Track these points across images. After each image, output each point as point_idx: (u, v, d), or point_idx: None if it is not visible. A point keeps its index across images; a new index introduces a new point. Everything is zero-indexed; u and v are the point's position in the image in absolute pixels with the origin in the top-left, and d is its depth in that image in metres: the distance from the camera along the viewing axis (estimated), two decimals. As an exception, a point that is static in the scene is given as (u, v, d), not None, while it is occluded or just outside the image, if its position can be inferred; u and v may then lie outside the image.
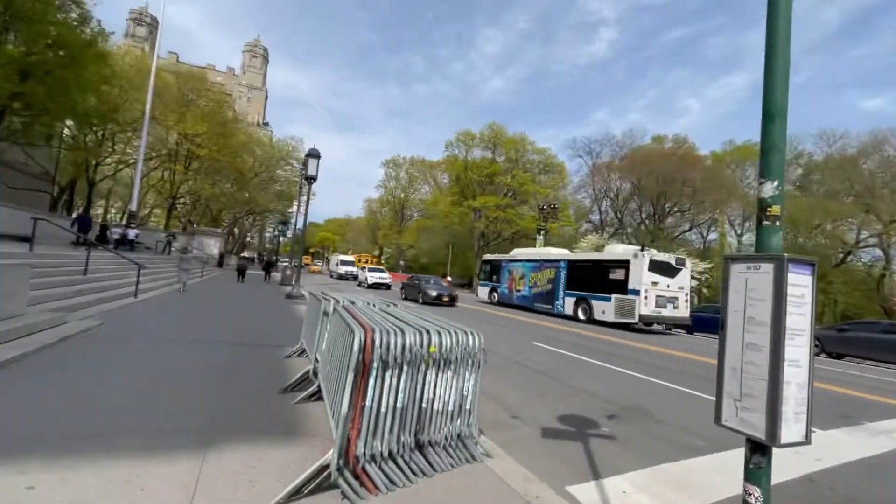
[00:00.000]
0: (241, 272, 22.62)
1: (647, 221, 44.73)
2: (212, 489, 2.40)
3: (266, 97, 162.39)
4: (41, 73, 17.97)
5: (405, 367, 2.79)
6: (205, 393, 4.01)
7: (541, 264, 21.29)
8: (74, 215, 24.37)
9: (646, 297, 15.67)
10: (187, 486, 2.38)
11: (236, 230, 63.56)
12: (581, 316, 18.20)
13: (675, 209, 43.50)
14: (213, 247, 36.73)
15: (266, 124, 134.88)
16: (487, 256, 28.73)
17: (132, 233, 25.12)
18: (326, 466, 2.46)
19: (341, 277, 38.22)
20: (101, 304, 8.28)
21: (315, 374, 4.40)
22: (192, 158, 36.39)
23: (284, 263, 24.30)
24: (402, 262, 70.70)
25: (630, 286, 16.14)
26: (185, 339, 6.28)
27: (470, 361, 3.16)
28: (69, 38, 18.14)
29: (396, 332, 2.84)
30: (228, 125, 37.71)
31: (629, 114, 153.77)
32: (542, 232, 35.73)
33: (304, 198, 25.22)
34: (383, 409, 2.66)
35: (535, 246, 32.69)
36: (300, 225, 35.04)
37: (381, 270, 33.82)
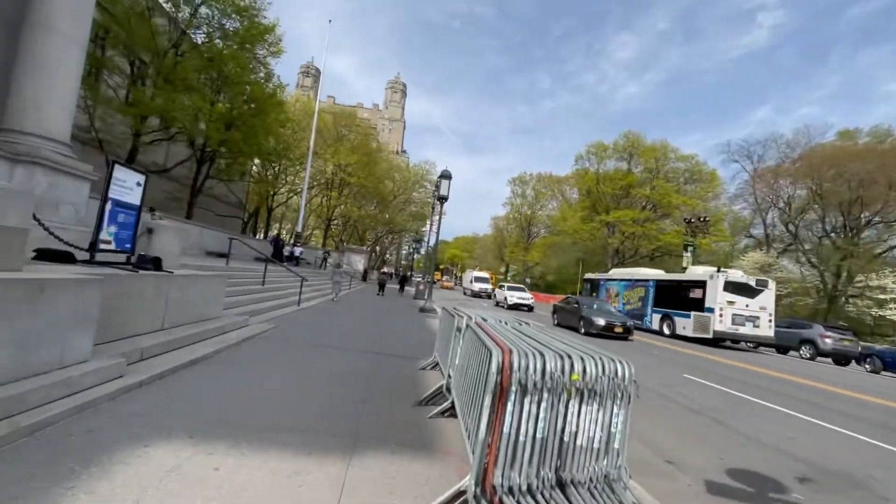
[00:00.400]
0: (381, 286, 24.37)
1: (832, 235, 36.19)
2: (356, 494, 2.49)
3: (404, 127, 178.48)
4: (240, 123, 22.55)
5: (545, 395, 2.57)
6: (350, 398, 4.32)
7: (633, 283, 23.47)
8: (270, 238, 29.76)
9: (720, 315, 17.51)
10: (335, 488, 2.52)
11: (377, 248, 70.41)
12: (665, 331, 20.12)
13: (877, 219, 34.29)
14: (359, 263, 41.08)
15: (404, 152, 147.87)
16: (589, 275, 29.91)
17: (298, 250, 29.66)
18: (463, 492, 2.36)
19: (475, 295, 37.19)
20: (273, 310, 9.77)
21: (448, 389, 4.42)
22: (344, 185, 41.68)
23: (418, 279, 25.94)
24: (528, 280, 69.70)
25: (706, 304, 18.06)
26: (335, 345, 6.97)
27: (618, 394, 2.78)
28: (258, 93, 22.46)
29: (536, 354, 2.65)
30: (373, 154, 42.27)
31: (800, 108, 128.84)
32: (690, 249, 31.40)
33: (437, 217, 26.76)
34: (522, 438, 2.47)
35: (682, 264, 29.19)
36: (433, 242, 37.14)
37: (522, 289, 31.43)
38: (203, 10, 20.74)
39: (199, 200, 32.56)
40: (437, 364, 6.14)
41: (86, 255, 4.79)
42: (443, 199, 16.80)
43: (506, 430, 2.44)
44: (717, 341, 17.84)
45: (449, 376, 4.50)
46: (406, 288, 36.43)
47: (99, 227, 4.65)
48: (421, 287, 24.80)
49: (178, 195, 28.41)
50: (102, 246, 4.77)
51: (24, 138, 13.55)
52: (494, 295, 32.83)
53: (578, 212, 46.54)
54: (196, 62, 20.37)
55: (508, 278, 78.77)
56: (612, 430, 2.78)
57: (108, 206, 4.74)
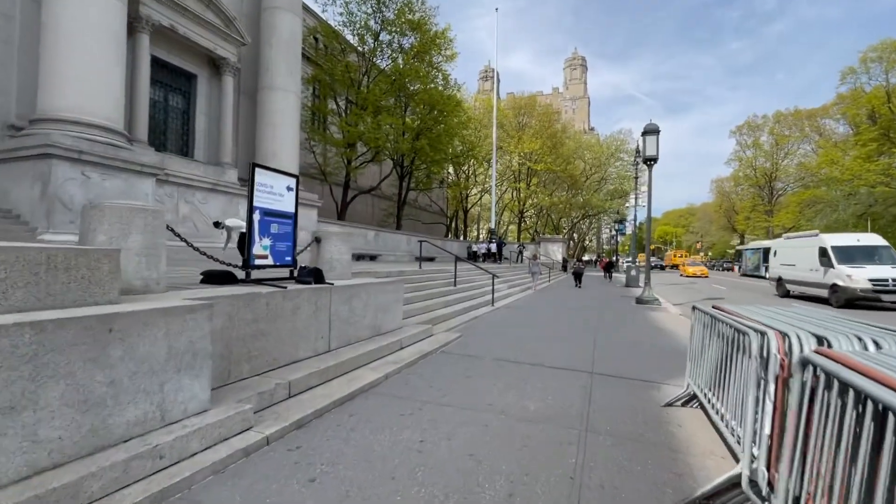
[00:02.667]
0: (577, 277, 20.73)
1: None
2: None
3: (589, 104, 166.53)
4: (426, 131, 23.53)
5: None
6: (552, 479, 2.53)
7: None
8: (488, 240, 31.16)
9: None
10: None
11: (575, 235, 66.40)
12: None
13: None
14: (556, 252, 38.82)
15: (592, 129, 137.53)
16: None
17: (494, 246, 29.62)
18: None
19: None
20: (464, 313, 8.80)
21: (755, 483, 2.16)
22: (531, 175, 40.19)
23: (628, 262, 22.16)
24: (778, 251, 54.10)
25: None
26: (530, 361, 5.29)
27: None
28: (436, 97, 22.96)
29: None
30: (558, 136, 39.47)
31: None
32: None
33: (644, 188, 22.45)
34: None
35: None
36: (641, 218, 31.97)
37: None
38: (383, 35, 22.38)
39: (408, 212, 36.19)
40: (695, 397, 3.79)
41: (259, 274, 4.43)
42: (651, 161, 13.29)
43: None
44: None
45: (753, 452, 2.23)
46: (613, 274, 32.43)
47: (251, 241, 4.17)
48: (633, 272, 21.01)
49: (392, 211, 32.00)
50: (259, 262, 4.29)
51: (268, 181, 16.63)
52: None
53: (857, 148, 32.77)
54: (383, 85, 22.08)
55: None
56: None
57: (257, 217, 4.23)
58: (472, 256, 31.60)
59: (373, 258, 20.67)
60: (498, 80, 35.94)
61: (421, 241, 11.52)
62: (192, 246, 3.97)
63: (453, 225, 42.92)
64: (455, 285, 10.87)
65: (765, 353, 2.26)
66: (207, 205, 12.92)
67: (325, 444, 2.84)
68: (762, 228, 57.00)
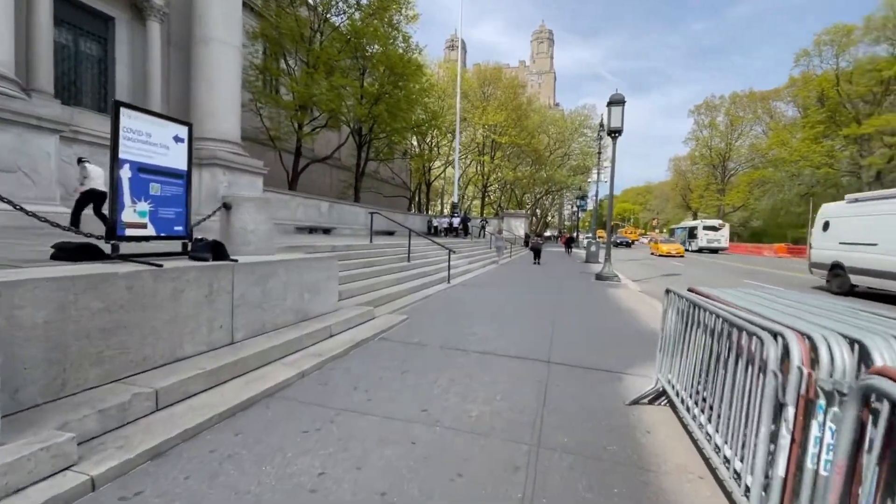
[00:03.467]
0: (536, 253, 18.87)
1: None
2: None
3: (555, 79, 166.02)
4: (384, 96, 22.03)
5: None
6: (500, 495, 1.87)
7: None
8: (451, 214, 30.21)
9: None
10: None
11: (538, 211, 66.78)
12: None
13: None
14: (519, 228, 38.67)
15: (557, 105, 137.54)
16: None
17: (456, 220, 28.89)
18: None
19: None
20: (415, 292, 8.07)
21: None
22: (495, 148, 39.38)
23: (588, 238, 22.09)
24: (727, 229, 56.62)
25: None
26: (481, 349, 4.65)
27: None
28: (396, 60, 21.47)
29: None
30: (523, 108, 38.68)
31: None
32: None
33: (606, 164, 22.25)
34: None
35: None
36: (604, 193, 32.11)
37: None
38: (338, -12, 20.49)
39: (369, 184, 34.67)
40: (664, 394, 3.26)
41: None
42: (615, 134, 12.79)
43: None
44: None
45: (738, 476, 1.65)
46: (574, 250, 32.66)
47: (118, 205, 3.17)
48: (593, 248, 20.95)
49: (352, 182, 30.52)
50: (132, 232, 3.31)
51: (205, 144, 14.93)
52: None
53: (804, 131, 34.00)
54: (338, 44, 20.32)
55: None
56: None
57: (127, 173, 3.22)
58: (434, 231, 30.80)
59: (326, 231, 19.48)
60: (464, 50, 34.58)
61: (372, 213, 10.58)
62: (23, 210, 2.93)
63: (416, 198, 41.76)
64: (409, 261, 10.09)
65: (774, 361, 1.64)
66: (127, 168, 11.35)
67: (180, 487, 2.03)
68: (714, 207, 59.33)
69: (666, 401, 3.33)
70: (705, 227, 36.06)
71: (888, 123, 26.60)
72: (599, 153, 22.00)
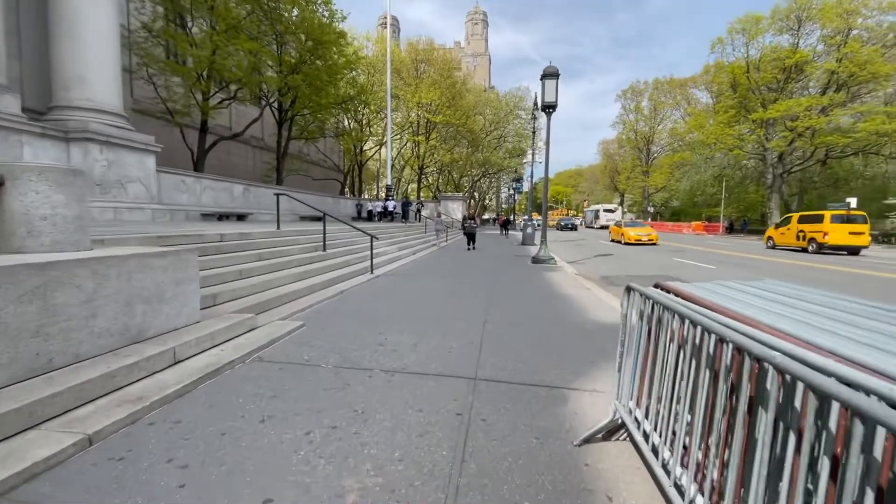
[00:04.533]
0: (470, 238, 17.07)
1: None
2: None
3: (490, 62, 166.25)
4: (301, 66, 19.81)
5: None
6: None
7: None
8: (385, 198, 28.04)
9: None
10: None
11: (476, 194, 66.69)
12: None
13: None
14: (456, 211, 37.99)
15: (492, 87, 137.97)
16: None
17: (391, 204, 27.23)
18: None
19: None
20: (327, 287, 6.80)
21: None
22: (431, 128, 38.03)
23: (525, 219, 21.75)
24: (649, 209, 60.11)
25: None
26: (389, 366, 3.58)
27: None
28: (314, 26, 19.33)
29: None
30: (457, 87, 37.55)
31: None
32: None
33: (540, 143, 21.89)
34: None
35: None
36: (539, 173, 32.02)
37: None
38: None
39: (297, 167, 31.93)
40: (623, 425, 2.39)
41: None
42: (549, 109, 12.11)
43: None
44: None
45: None
46: (509, 232, 32.62)
47: None
48: (528, 230, 20.60)
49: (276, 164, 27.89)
50: None
51: (73, 113, 12.20)
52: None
53: (719, 115, 36.26)
54: (248, 4, 17.79)
55: (625, 209, 69.51)
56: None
57: None
58: (368, 216, 29.08)
59: (241, 218, 17.33)
60: (398, 29, 32.67)
61: (278, 195, 9.04)
62: None
63: (350, 182, 39.50)
64: (325, 250, 8.74)
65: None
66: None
67: None
68: (639, 188, 62.66)
69: (626, 435, 2.47)
70: (605, 210, 53.19)
71: (789, 109, 28.84)
72: (534, 133, 21.54)
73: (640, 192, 64.11)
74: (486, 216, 75.11)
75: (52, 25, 11.47)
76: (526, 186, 35.30)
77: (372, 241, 8.51)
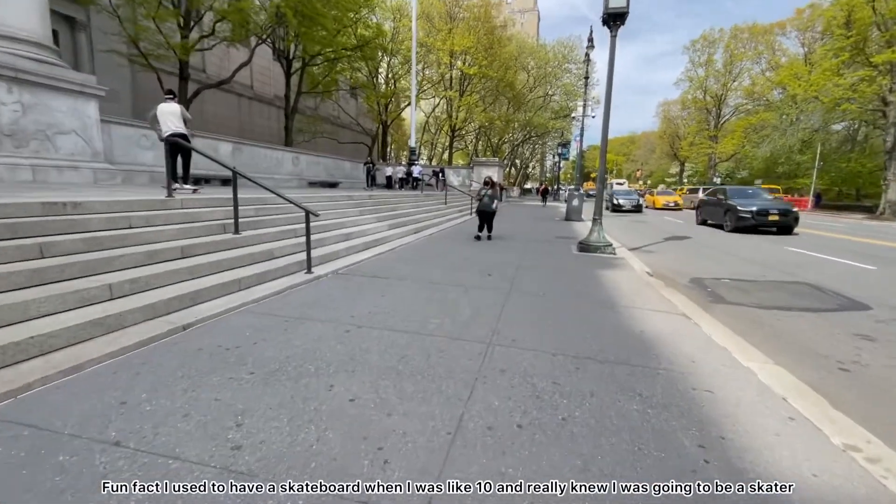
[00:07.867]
0: (483, 219, 10.07)
1: None
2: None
3: (538, 18, 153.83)
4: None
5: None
6: None
7: None
8: (409, 162, 24.13)
9: None
10: None
11: (518, 161, 61.33)
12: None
13: None
14: (493, 178, 33.80)
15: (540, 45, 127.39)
16: None
17: (416, 170, 23.33)
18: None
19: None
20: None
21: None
22: (465, 83, 33.43)
23: (570, 189, 17.45)
24: (716, 179, 52.41)
25: None
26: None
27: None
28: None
29: None
30: (496, 34, 32.45)
31: None
32: None
33: (593, 103, 17.40)
34: None
35: None
36: (588, 139, 27.07)
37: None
38: None
39: (323, 129, 28.88)
40: None
41: None
42: (616, 21, 7.91)
43: None
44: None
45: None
46: (555, 203, 28.52)
47: None
48: (575, 203, 16.42)
49: (301, 126, 25.37)
50: None
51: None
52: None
53: (826, 60, 29.06)
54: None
55: (685, 180, 61.78)
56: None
57: None
58: (388, 183, 25.63)
59: (225, 182, 14.35)
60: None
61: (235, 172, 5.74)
62: None
63: (378, 147, 36.05)
64: (237, 232, 5.44)
65: None
66: None
67: None
68: (705, 155, 55.03)
69: None
70: (616, 184, 48.25)
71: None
72: (587, 79, 16.94)
73: (704, 161, 56.37)
74: (527, 185, 69.67)
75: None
76: (574, 149, 30.46)
77: (308, 220, 5.09)
